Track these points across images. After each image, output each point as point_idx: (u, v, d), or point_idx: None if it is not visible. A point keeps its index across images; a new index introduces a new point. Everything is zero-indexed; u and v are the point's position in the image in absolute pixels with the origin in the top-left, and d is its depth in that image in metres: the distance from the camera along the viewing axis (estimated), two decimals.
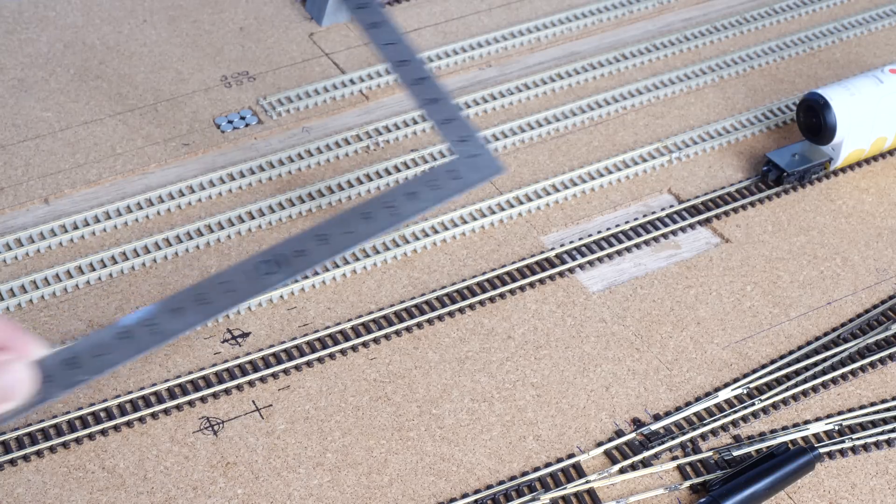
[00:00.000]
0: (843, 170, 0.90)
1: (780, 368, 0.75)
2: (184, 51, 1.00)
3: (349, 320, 0.78)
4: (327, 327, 0.77)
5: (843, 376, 0.75)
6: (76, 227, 0.83)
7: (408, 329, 0.77)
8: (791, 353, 0.77)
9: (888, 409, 0.74)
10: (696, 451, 0.71)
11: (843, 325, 0.79)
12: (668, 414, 0.73)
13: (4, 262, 0.81)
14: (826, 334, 0.78)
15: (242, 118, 0.93)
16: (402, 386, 0.74)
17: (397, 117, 0.93)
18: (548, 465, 0.70)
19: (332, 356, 0.76)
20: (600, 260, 0.83)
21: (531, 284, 0.80)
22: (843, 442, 0.71)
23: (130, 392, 0.73)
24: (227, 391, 0.73)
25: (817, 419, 0.73)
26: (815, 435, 0.72)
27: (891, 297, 0.81)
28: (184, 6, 1.05)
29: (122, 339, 0.56)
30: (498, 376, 0.75)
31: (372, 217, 0.61)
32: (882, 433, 0.72)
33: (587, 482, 0.69)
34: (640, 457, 0.70)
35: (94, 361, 0.54)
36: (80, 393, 0.73)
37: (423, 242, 0.83)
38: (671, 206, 0.87)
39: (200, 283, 0.58)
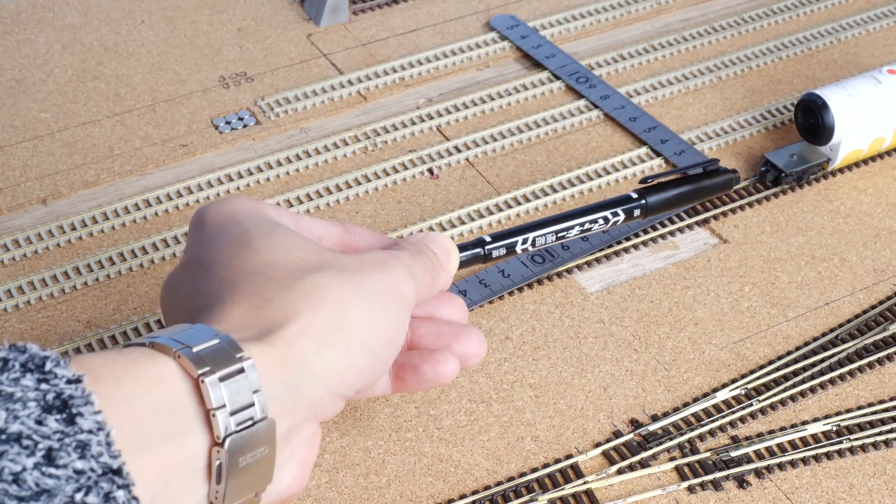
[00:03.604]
0: (841, 170, 0.90)
1: (778, 369, 0.75)
2: (182, 52, 1.00)
3: None
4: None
5: (841, 377, 0.75)
6: (74, 229, 0.83)
7: None
8: (789, 353, 0.77)
9: (886, 410, 0.74)
10: (695, 451, 0.71)
11: (841, 325, 0.79)
12: (666, 415, 0.73)
13: (2, 263, 0.81)
14: (824, 335, 0.78)
15: (240, 119, 0.93)
16: None
17: (395, 118, 0.93)
18: (546, 465, 0.70)
19: None
20: (598, 261, 0.83)
21: (529, 285, 0.80)
22: (841, 443, 0.71)
23: None
24: None
25: (815, 420, 0.73)
26: (813, 436, 0.72)
27: (889, 298, 0.81)
28: (182, 7, 1.05)
29: None
30: (496, 377, 0.75)
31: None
32: (880, 434, 0.72)
33: (585, 483, 0.69)
34: (638, 458, 0.70)
35: None
36: None
37: None
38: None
39: (483, 272, 0.77)
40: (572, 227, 0.63)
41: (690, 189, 0.67)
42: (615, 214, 0.64)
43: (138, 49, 1.00)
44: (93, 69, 0.98)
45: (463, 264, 0.60)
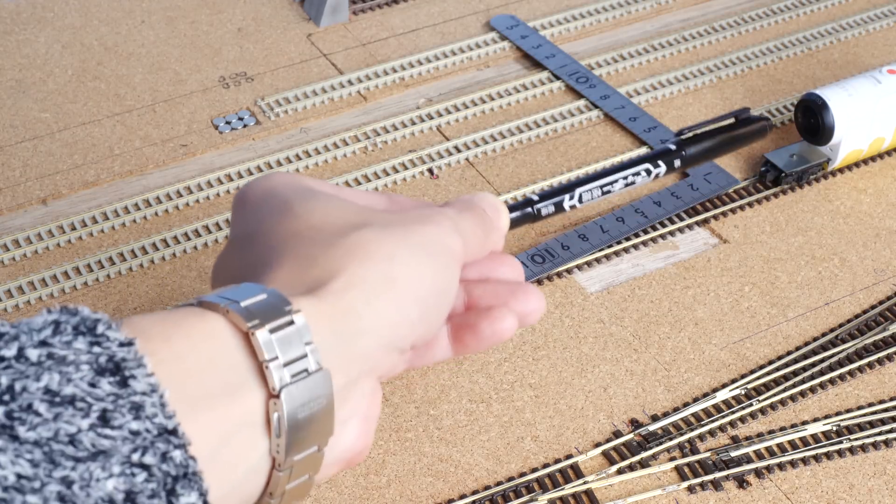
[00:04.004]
0: (840, 170, 0.90)
1: (777, 369, 0.75)
2: (182, 51, 1.00)
3: None
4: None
5: (841, 377, 0.75)
6: (74, 229, 0.83)
7: None
8: (789, 353, 0.77)
9: (886, 410, 0.74)
10: (695, 451, 0.71)
11: (840, 325, 0.79)
12: (665, 415, 0.73)
13: (2, 263, 0.81)
14: (824, 335, 0.78)
15: (240, 119, 0.93)
16: (399, 387, 0.74)
17: (395, 118, 0.93)
18: (546, 465, 0.70)
19: None
20: (598, 261, 0.83)
21: None
22: (841, 443, 0.71)
23: None
24: None
25: (815, 420, 0.73)
26: (813, 436, 0.72)
27: (889, 298, 0.81)
28: (182, 7, 1.05)
29: None
30: (496, 377, 0.75)
31: (623, 219, 0.83)
32: (880, 434, 0.72)
33: (585, 483, 0.69)
34: (638, 458, 0.70)
35: None
36: None
37: None
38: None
39: None
40: (616, 181, 0.64)
41: (726, 137, 0.68)
42: (656, 166, 0.65)
43: (138, 49, 1.00)
44: (93, 69, 0.98)
45: (514, 223, 0.60)
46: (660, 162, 0.65)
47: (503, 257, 0.60)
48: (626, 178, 0.64)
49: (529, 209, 0.61)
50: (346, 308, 0.49)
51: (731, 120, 0.68)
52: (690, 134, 0.67)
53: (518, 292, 0.58)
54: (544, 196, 0.62)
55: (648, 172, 0.65)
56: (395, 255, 0.51)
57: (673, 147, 0.66)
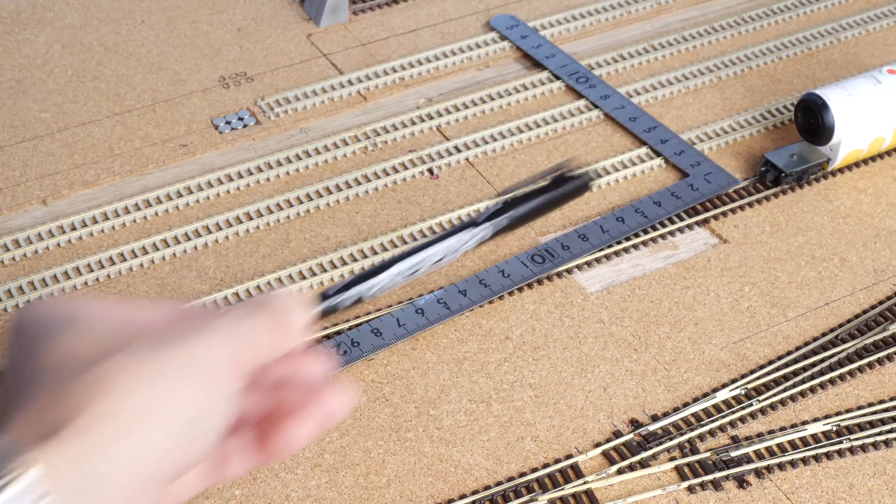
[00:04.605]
0: (840, 170, 0.90)
1: (777, 369, 0.75)
2: (182, 51, 1.00)
3: (347, 321, 0.78)
4: (325, 328, 0.77)
5: (841, 377, 0.75)
6: (74, 229, 0.83)
7: None
8: (789, 353, 0.77)
9: (886, 410, 0.74)
10: (695, 451, 0.71)
11: (840, 325, 0.79)
12: (665, 415, 0.73)
13: (2, 263, 0.81)
14: (824, 335, 0.78)
15: (240, 119, 0.93)
16: (399, 387, 0.74)
17: (395, 118, 0.93)
18: (546, 465, 0.70)
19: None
20: (598, 261, 0.83)
21: (529, 285, 0.80)
22: (841, 443, 0.71)
23: None
24: None
25: (815, 420, 0.73)
26: (813, 436, 0.72)
27: (889, 298, 0.81)
28: (182, 7, 1.05)
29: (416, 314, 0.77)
30: (496, 377, 0.75)
31: (623, 219, 0.84)
32: (880, 434, 0.72)
33: (585, 483, 0.69)
34: (638, 457, 0.70)
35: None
36: None
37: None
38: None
39: (483, 272, 0.80)
40: (420, 267, 0.60)
41: (544, 199, 0.63)
42: (460, 240, 0.62)
43: (138, 49, 1.00)
44: (93, 69, 0.98)
45: (324, 314, 0.58)
46: (457, 237, 0.61)
47: (308, 355, 0.56)
48: (433, 261, 0.62)
49: (328, 303, 0.58)
50: (87, 450, 0.46)
51: (546, 181, 0.63)
52: (508, 197, 0.62)
53: (320, 393, 0.54)
54: (342, 288, 0.59)
55: (455, 250, 0.62)
56: (144, 384, 0.48)
57: (480, 220, 0.62)
